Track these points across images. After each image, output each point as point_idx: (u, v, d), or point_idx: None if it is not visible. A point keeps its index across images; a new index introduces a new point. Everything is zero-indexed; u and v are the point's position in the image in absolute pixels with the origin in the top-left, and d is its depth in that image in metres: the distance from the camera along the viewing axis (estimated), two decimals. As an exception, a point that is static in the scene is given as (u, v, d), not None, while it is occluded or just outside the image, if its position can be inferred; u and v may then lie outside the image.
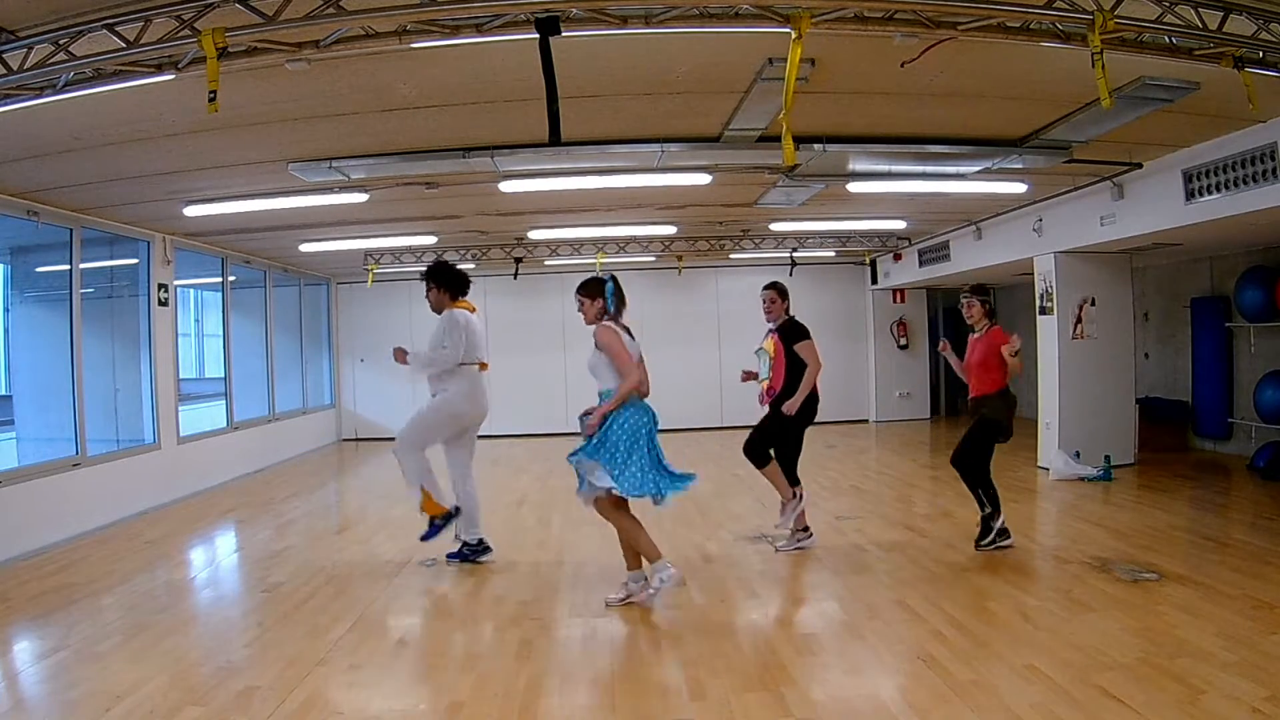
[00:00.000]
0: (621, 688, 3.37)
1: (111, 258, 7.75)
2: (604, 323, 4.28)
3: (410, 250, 10.26)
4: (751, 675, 3.43)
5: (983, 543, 5.12)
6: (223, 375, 9.65)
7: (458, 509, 5.27)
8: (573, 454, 4.22)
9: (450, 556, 5.34)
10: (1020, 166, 5.95)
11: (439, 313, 5.25)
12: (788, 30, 3.22)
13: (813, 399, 5.25)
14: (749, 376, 5.57)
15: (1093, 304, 7.95)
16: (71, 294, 6.59)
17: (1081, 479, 7.45)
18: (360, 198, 6.48)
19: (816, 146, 5.37)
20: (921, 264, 10.99)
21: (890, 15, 3.34)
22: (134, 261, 7.88)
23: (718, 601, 4.44)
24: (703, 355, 12.63)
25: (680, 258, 11.70)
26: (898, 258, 11.73)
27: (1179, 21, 3.40)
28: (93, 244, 7.10)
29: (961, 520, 5.99)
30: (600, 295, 4.31)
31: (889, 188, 6.76)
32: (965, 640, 3.70)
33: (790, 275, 11.82)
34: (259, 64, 3.50)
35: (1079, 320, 7.95)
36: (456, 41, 3.39)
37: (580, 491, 4.31)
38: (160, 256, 7.96)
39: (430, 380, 5.27)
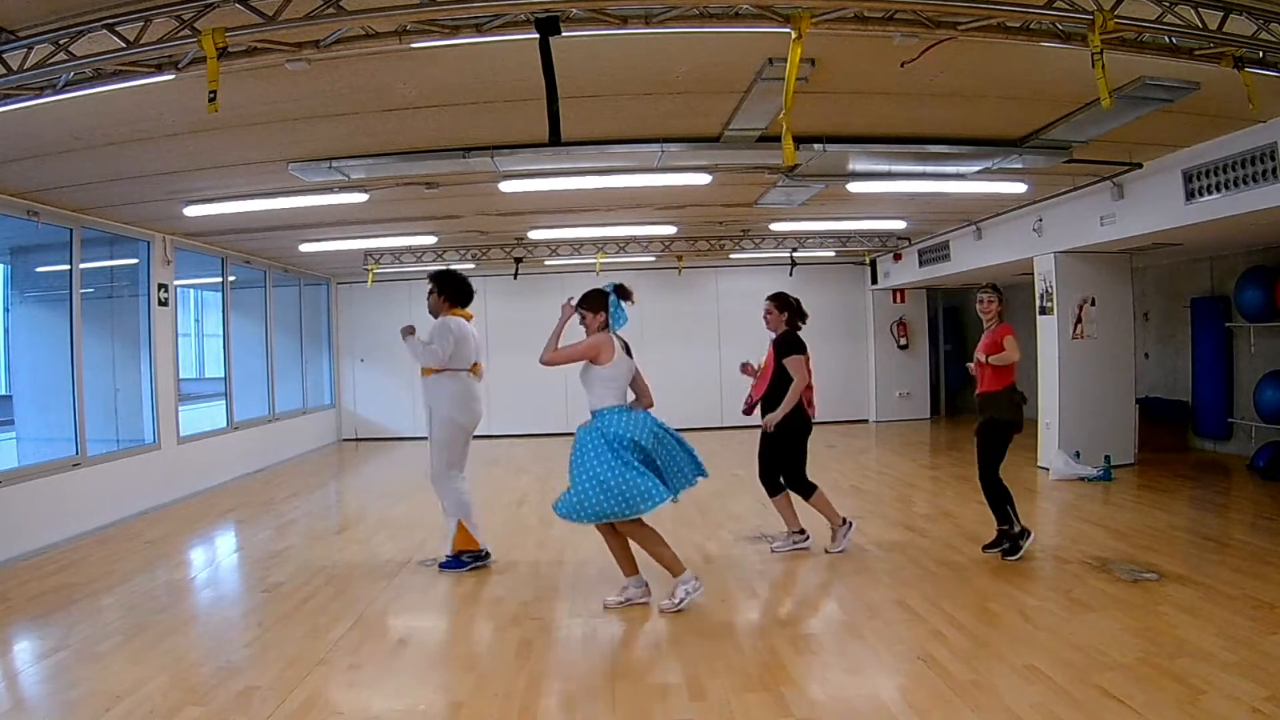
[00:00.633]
0: (621, 688, 3.37)
1: (111, 258, 7.75)
2: (604, 335, 4.24)
3: (410, 250, 10.26)
4: (751, 675, 3.43)
5: (1010, 556, 5.00)
6: (223, 375, 9.65)
7: (487, 554, 5.27)
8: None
9: (444, 565, 5.23)
10: (1020, 166, 5.95)
11: (435, 316, 5.25)
12: (788, 30, 3.22)
13: (800, 413, 5.17)
14: (749, 370, 5.53)
15: (1093, 304, 7.95)
16: (71, 294, 6.59)
17: (1081, 479, 7.45)
18: (360, 198, 6.48)
19: (816, 146, 5.36)
20: (921, 264, 10.99)
21: (890, 15, 3.33)
22: (134, 261, 7.88)
23: (718, 601, 4.44)
24: (702, 355, 12.63)
25: (680, 258, 11.70)
26: (898, 258, 11.73)
27: (1179, 21, 3.40)
28: (93, 244, 7.10)
29: (961, 520, 6.00)
30: (603, 309, 4.26)
31: (889, 188, 6.76)
32: (965, 640, 3.70)
33: (790, 275, 11.85)
34: (259, 64, 3.50)
35: (1079, 320, 7.95)
36: (456, 41, 3.39)
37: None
38: (160, 256, 7.96)
39: (424, 390, 5.26)
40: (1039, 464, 8.12)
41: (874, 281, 12.86)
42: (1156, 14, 3.36)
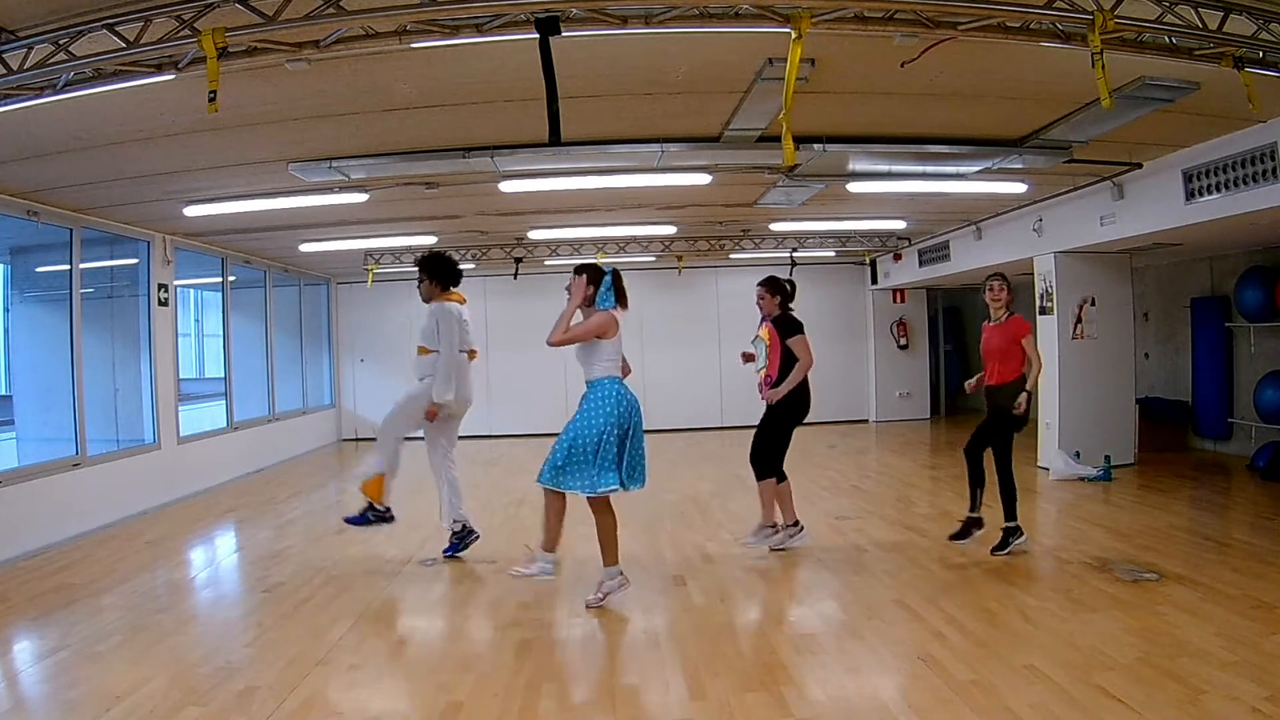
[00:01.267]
0: (621, 688, 3.37)
1: (111, 258, 7.74)
2: (603, 309, 4.26)
3: (410, 250, 10.26)
4: (751, 675, 3.43)
5: (999, 550, 5.04)
6: (223, 375, 9.65)
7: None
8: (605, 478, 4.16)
9: (446, 553, 5.38)
10: (1020, 166, 5.95)
11: (428, 302, 5.27)
12: (788, 30, 3.22)
13: (804, 397, 5.21)
14: (749, 358, 5.55)
15: (1093, 304, 7.95)
16: (71, 294, 6.59)
17: (1081, 479, 7.45)
18: (360, 198, 6.48)
19: (816, 146, 5.36)
20: (921, 264, 10.99)
21: (890, 15, 3.34)
22: (134, 261, 7.87)
23: (718, 601, 4.44)
24: (702, 355, 12.63)
25: (680, 258, 11.70)
26: (898, 258, 11.73)
27: (1179, 21, 3.40)
28: (93, 244, 7.09)
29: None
30: (595, 284, 4.29)
31: (889, 188, 6.76)
32: (965, 640, 3.70)
33: (790, 275, 11.80)
34: (259, 64, 3.50)
35: (1079, 320, 7.95)
36: (456, 41, 3.39)
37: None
38: (160, 256, 7.96)
39: (418, 368, 5.29)
40: (1039, 464, 8.12)
41: (874, 281, 12.86)
42: (1156, 14, 3.36)
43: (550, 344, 4.23)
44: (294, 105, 4.43)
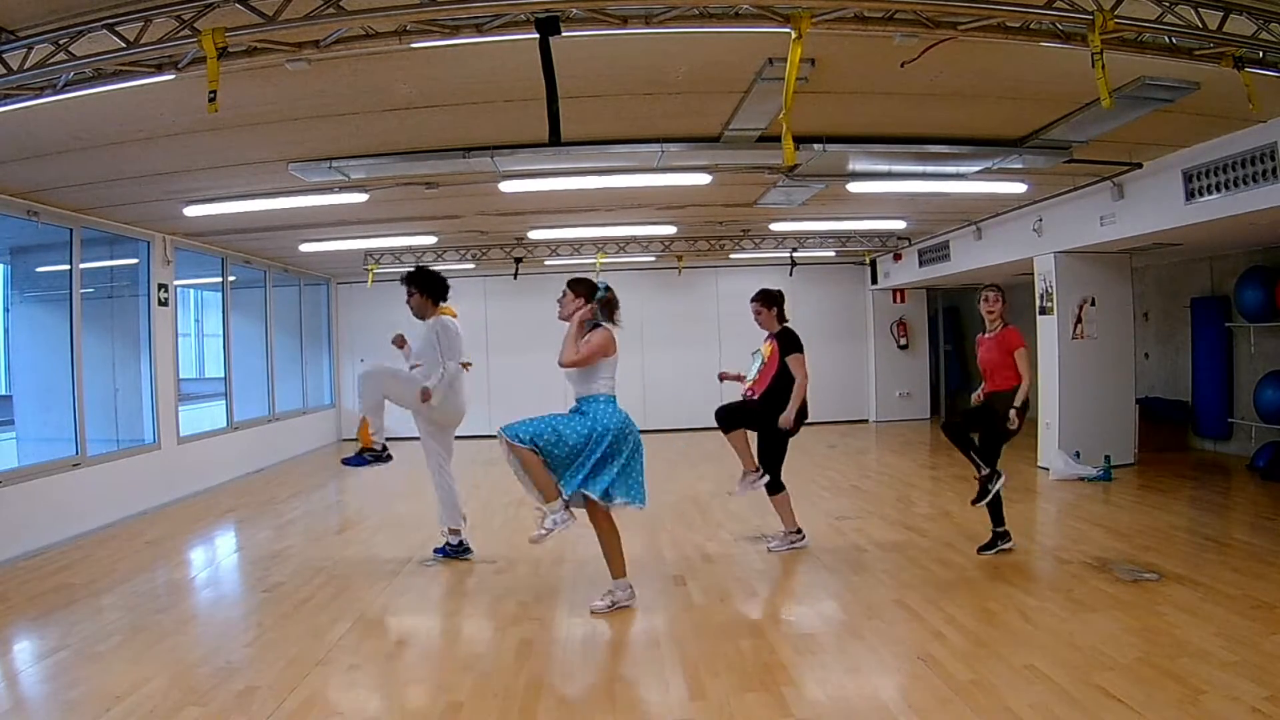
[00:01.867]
0: (621, 688, 3.37)
1: (111, 258, 7.74)
2: (600, 327, 4.24)
3: (410, 250, 10.26)
4: (751, 675, 3.42)
5: (979, 501, 5.05)
6: (223, 375, 9.65)
7: (389, 455, 5.44)
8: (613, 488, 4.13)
9: (437, 551, 5.39)
10: (1020, 166, 5.95)
11: (421, 318, 5.27)
12: (788, 30, 3.23)
13: (802, 410, 5.23)
14: (727, 377, 5.59)
15: (1093, 304, 7.95)
16: (71, 294, 6.59)
17: (1081, 479, 7.45)
18: (360, 198, 6.48)
19: (816, 146, 5.36)
20: (921, 264, 10.99)
21: (890, 15, 3.34)
22: (134, 261, 7.87)
23: (718, 601, 4.44)
24: (702, 355, 12.59)
25: (680, 258, 11.70)
26: (898, 258, 11.73)
27: (1179, 21, 3.40)
28: (93, 244, 7.10)
29: (961, 520, 6.00)
30: (588, 299, 4.27)
31: (889, 188, 6.76)
32: (965, 640, 3.70)
33: (790, 275, 11.84)
34: (259, 64, 3.50)
35: (1079, 320, 7.95)
36: (456, 41, 3.39)
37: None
38: (160, 256, 7.96)
39: (413, 367, 5.30)
40: (1039, 464, 8.12)
41: (874, 281, 12.86)
42: (1156, 14, 3.36)
43: (563, 365, 4.17)
44: (294, 105, 4.43)
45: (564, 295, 4.35)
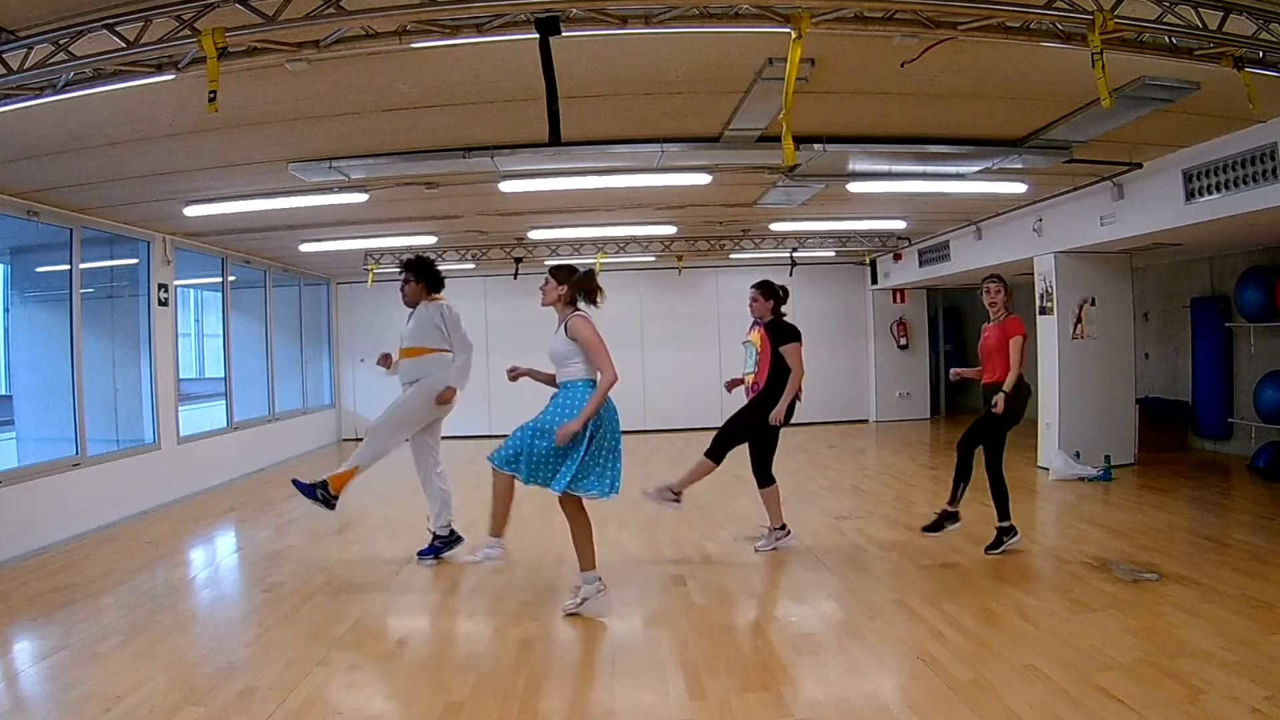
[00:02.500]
0: (621, 687, 3.37)
1: (111, 258, 7.74)
2: (579, 313, 4.20)
3: (410, 250, 10.25)
4: (751, 675, 3.43)
5: (993, 550, 5.07)
6: (223, 375, 9.65)
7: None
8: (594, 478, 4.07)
9: (422, 554, 5.38)
10: (1020, 166, 5.96)
11: (412, 305, 5.28)
12: (788, 30, 3.22)
13: (790, 404, 5.20)
14: (735, 384, 5.58)
15: (1093, 304, 7.95)
16: (71, 294, 6.59)
17: (1081, 479, 7.45)
18: (360, 198, 6.48)
19: (816, 146, 5.36)
20: (921, 264, 10.99)
21: (890, 15, 3.34)
22: (134, 261, 7.87)
23: (718, 601, 4.44)
24: (702, 355, 12.62)
25: (680, 258, 11.70)
26: (898, 258, 11.73)
27: (1179, 21, 3.40)
28: (93, 244, 7.09)
29: (962, 520, 5.99)
30: (567, 284, 4.24)
31: (889, 188, 6.75)
32: (965, 640, 3.70)
33: (790, 275, 11.83)
34: (259, 64, 3.50)
35: (1079, 320, 7.95)
36: (456, 41, 3.39)
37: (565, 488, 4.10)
38: (160, 256, 7.96)
39: (405, 369, 5.30)
40: (1039, 464, 8.12)
41: (874, 281, 12.86)
42: (1156, 14, 3.36)
43: (616, 380, 4.07)
44: (294, 105, 4.43)
45: (546, 283, 4.29)
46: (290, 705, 3.24)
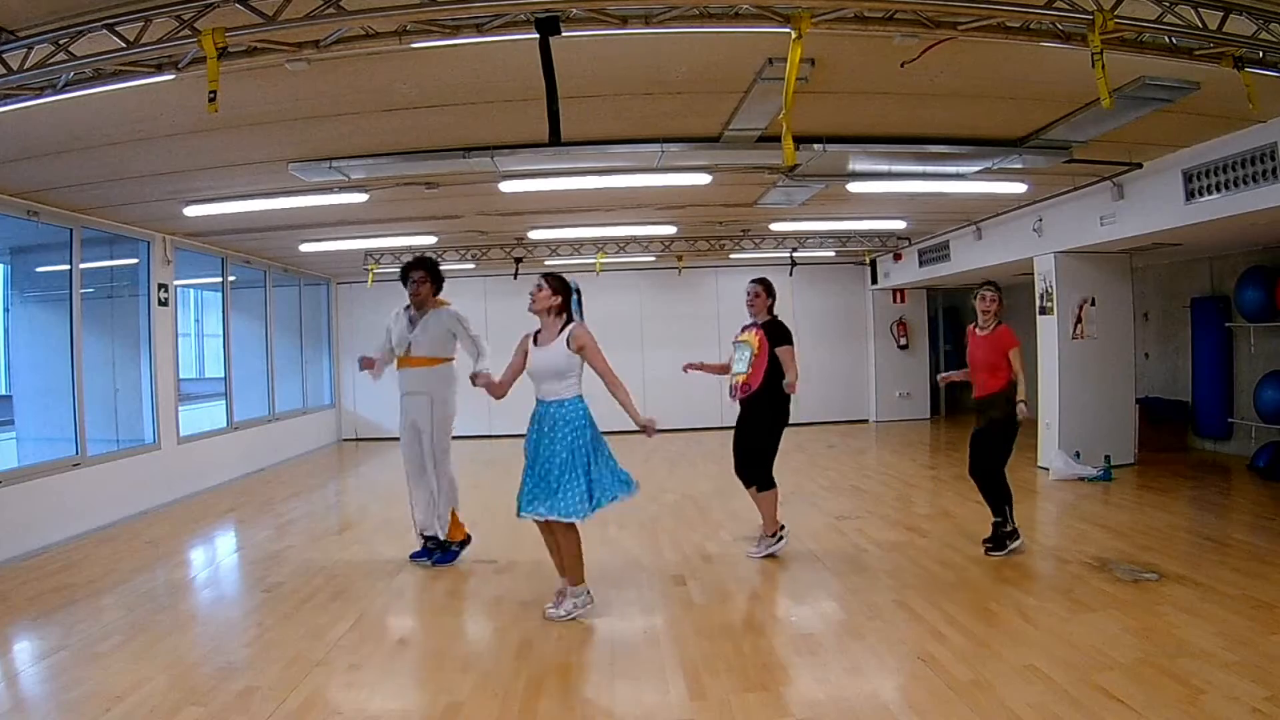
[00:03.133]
0: (621, 688, 3.37)
1: (111, 258, 7.75)
2: (579, 323, 4.19)
3: (410, 250, 10.25)
4: (751, 675, 3.43)
5: (996, 551, 5.07)
6: (223, 375, 9.65)
7: (469, 537, 5.40)
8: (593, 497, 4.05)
9: (414, 556, 5.36)
10: (1020, 166, 5.95)
11: (420, 307, 5.26)
12: (788, 30, 3.23)
13: (785, 406, 5.18)
14: (693, 367, 5.56)
15: (1093, 304, 7.95)
16: (71, 294, 6.59)
17: (1081, 479, 7.45)
18: (360, 198, 6.48)
19: (816, 146, 5.36)
20: (921, 264, 10.99)
21: (890, 15, 3.34)
22: (134, 261, 7.88)
23: (718, 601, 4.44)
24: (702, 355, 12.41)
25: (680, 258, 11.70)
26: (898, 258, 11.74)
27: (1179, 21, 3.40)
28: (93, 244, 7.10)
29: (961, 520, 6.00)
30: (561, 294, 4.20)
31: (889, 188, 6.75)
32: (965, 640, 3.70)
33: (790, 275, 11.84)
34: (259, 64, 3.50)
35: (1079, 320, 7.95)
36: (456, 41, 3.39)
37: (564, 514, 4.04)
38: (160, 256, 7.96)
39: (409, 379, 5.27)
40: (1039, 464, 8.12)
41: (874, 281, 12.86)
42: (1156, 14, 3.36)
43: (630, 406, 4.07)
44: (294, 105, 4.43)
45: (539, 289, 4.21)
46: (290, 705, 3.24)
